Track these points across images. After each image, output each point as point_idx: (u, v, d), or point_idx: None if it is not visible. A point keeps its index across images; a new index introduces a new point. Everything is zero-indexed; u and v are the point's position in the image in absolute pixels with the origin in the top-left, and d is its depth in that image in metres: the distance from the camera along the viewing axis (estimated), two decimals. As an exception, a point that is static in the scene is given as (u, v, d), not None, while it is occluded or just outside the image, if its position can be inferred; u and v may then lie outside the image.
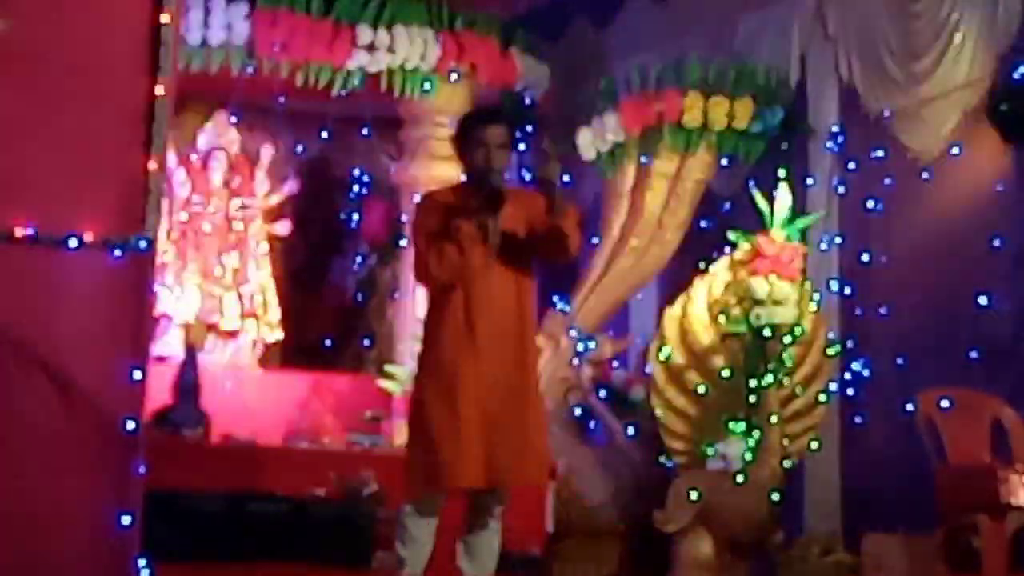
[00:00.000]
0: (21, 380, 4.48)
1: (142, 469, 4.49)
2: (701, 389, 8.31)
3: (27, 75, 4.63)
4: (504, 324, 5.48)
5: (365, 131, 9.58)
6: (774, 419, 7.97)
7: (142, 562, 4.46)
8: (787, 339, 8.02)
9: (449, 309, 5.46)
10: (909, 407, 7.63)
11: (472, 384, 5.39)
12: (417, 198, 5.91)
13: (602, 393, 8.98)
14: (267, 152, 9.85)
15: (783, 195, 8.18)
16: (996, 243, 7.93)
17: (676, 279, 8.94)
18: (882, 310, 8.50)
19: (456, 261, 5.38)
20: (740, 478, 7.95)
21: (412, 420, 5.60)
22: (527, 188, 5.69)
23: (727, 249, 8.36)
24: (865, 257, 8.65)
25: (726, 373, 8.21)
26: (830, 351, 8.39)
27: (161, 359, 8.96)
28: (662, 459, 8.49)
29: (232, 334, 9.65)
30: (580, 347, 9.03)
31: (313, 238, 10.44)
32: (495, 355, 5.44)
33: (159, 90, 4.69)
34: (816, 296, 8.37)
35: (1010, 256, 7.91)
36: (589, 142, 9.13)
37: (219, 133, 9.73)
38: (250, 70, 8.94)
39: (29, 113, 4.62)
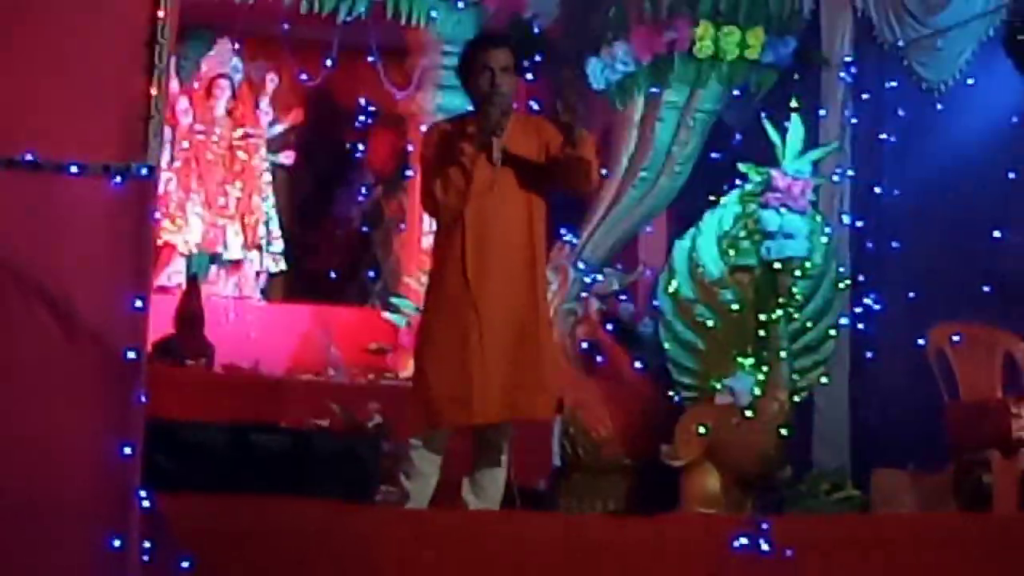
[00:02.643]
0: (20, 308, 4.40)
1: (143, 399, 4.42)
2: (710, 323, 8.29)
3: (26, -1, 4.53)
4: (513, 254, 5.41)
5: (371, 59, 9.45)
6: (783, 353, 7.98)
7: (142, 492, 4.40)
8: (797, 272, 8.01)
9: (456, 240, 5.39)
10: (921, 342, 7.60)
11: (478, 317, 5.33)
12: (424, 128, 5.82)
13: (609, 327, 8.92)
14: (271, 81, 9.75)
15: (795, 127, 8.16)
16: (1011, 175, 7.85)
17: (686, 211, 8.88)
18: (894, 243, 8.44)
19: (461, 186, 5.30)
20: (748, 413, 7.96)
21: (417, 354, 5.57)
22: (537, 116, 5.55)
23: (738, 181, 8.31)
24: (877, 190, 8.58)
25: (735, 307, 8.17)
26: (841, 285, 8.36)
27: (164, 289, 8.91)
28: (670, 393, 8.45)
29: (236, 265, 9.58)
30: (588, 280, 8.95)
31: (318, 168, 10.36)
32: (503, 286, 5.38)
33: (161, 14, 4.57)
34: (827, 229, 8.33)
35: (1024, 189, 7.85)
36: (599, 72, 9.02)
37: (222, 61, 9.62)
38: (254, -5, 8.83)
39: (28, 37, 4.51)
